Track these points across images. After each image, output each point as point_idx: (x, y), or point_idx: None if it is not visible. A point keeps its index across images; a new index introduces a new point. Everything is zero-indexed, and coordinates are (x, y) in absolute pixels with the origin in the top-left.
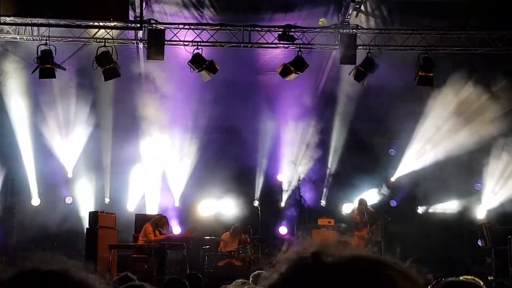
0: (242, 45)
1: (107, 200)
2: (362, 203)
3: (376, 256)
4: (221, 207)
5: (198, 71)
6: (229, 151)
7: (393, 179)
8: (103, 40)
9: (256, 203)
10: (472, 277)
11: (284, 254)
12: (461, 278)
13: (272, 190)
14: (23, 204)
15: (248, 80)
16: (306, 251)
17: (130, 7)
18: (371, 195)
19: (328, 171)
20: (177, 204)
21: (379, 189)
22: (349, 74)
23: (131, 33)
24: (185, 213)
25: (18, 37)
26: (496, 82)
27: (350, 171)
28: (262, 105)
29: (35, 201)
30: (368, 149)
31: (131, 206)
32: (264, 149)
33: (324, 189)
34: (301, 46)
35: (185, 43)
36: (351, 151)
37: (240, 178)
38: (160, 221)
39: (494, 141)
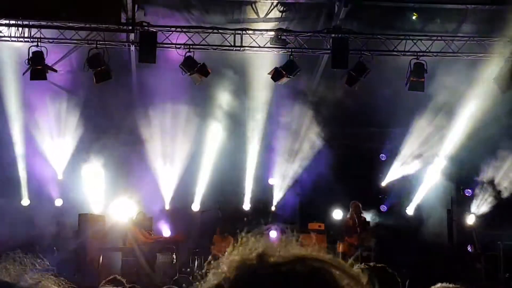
0: (234, 48)
1: (97, 202)
2: (356, 206)
3: (319, 254)
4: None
5: (189, 74)
6: (219, 154)
7: (383, 184)
8: (95, 42)
9: (247, 207)
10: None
11: (228, 256)
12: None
13: (263, 193)
14: (12, 205)
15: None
16: (250, 252)
17: (122, 9)
18: (362, 200)
19: (319, 175)
20: (167, 207)
21: (369, 194)
22: (341, 78)
23: (123, 36)
24: (175, 216)
25: (9, 38)
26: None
27: (341, 175)
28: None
29: (25, 201)
30: (359, 154)
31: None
32: (255, 152)
33: (315, 194)
34: (293, 50)
35: (177, 46)
36: (342, 156)
37: (231, 182)
38: (143, 220)
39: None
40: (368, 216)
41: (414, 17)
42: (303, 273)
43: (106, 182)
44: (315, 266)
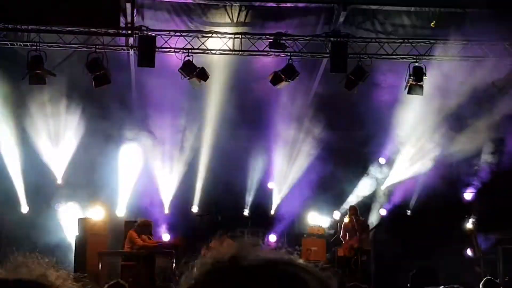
0: (233, 52)
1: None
2: (354, 210)
3: (290, 258)
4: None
5: (188, 78)
6: (218, 158)
7: (383, 187)
8: (94, 46)
9: (245, 211)
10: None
11: (201, 259)
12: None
13: (262, 197)
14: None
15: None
16: (223, 255)
17: (121, 14)
18: (361, 203)
19: (319, 179)
20: (166, 211)
21: (369, 197)
22: (340, 82)
23: (122, 40)
24: (174, 221)
25: (8, 42)
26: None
27: (341, 179)
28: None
29: (24, 208)
30: (359, 157)
31: (121, 212)
32: (255, 156)
33: (315, 197)
34: (292, 54)
35: (176, 50)
36: (342, 159)
37: (231, 185)
38: (144, 226)
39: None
40: (367, 220)
41: (432, 25)
42: (275, 277)
43: (106, 186)
44: (287, 270)
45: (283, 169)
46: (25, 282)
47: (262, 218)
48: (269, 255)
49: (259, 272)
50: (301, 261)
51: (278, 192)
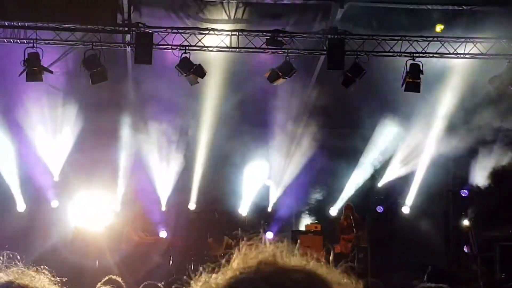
0: (230, 49)
1: (94, 203)
2: (348, 208)
3: (317, 266)
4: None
5: (185, 75)
6: (215, 155)
7: (379, 184)
8: (91, 43)
9: (243, 208)
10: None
11: (227, 266)
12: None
13: (259, 195)
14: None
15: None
16: (249, 262)
17: (118, 10)
18: (358, 200)
19: (316, 176)
20: (163, 208)
21: (366, 194)
22: (337, 79)
23: (119, 37)
24: (171, 218)
25: (5, 39)
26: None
27: (338, 176)
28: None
29: (20, 206)
30: (356, 154)
31: (117, 208)
32: (251, 153)
33: (312, 194)
34: (289, 51)
35: (173, 47)
36: (338, 156)
37: (228, 182)
38: (138, 220)
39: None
40: (363, 217)
41: (439, 29)
42: (293, 284)
43: (103, 183)
44: (312, 277)
45: (280, 166)
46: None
47: (259, 215)
48: (295, 261)
49: (273, 279)
50: (322, 268)
51: (275, 189)
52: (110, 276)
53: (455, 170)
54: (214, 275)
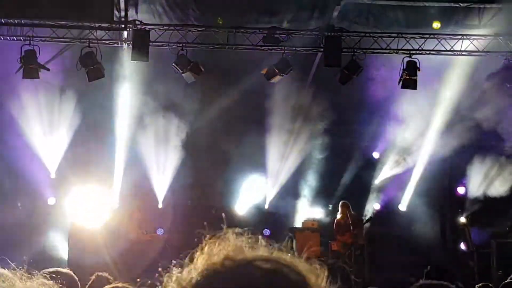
0: (227, 46)
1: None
2: (344, 206)
3: (278, 255)
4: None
5: (182, 73)
6: (212, 152)
7: (376, 181)
8: (87, 40)
9: (239, 205)
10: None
11: (195, 260)
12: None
13: (256, 192)
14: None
15: None
16: (216, 258)
17: (114, 7)
18: (354, 198)
19: (312, 173)
20: (160, 205)
21: (363, 191)
22: (334, 76)
23: (116, 34)
24: (168, 215)
25: (1, 36)
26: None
27: (335, 173)
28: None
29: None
30: (351, 152)
31: (115, 205)
32: (248, 150)
33: (308, 192)
34: (286, 48)
35: (170, 44)
36: (335, 154)
37: (224, 179)
38: (133, 218)
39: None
40: (360, 215)
41: (435, 25)
42: (254, 275)
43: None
44: (267, 267)
45: (277, 163)
46: None
47: (256, 213)
48: (251, 253)
49: (240, 272)
50: (287, 256)
51: (272, 186)
52: (96, 274)
53: (451, 167)
54: (183, 273)
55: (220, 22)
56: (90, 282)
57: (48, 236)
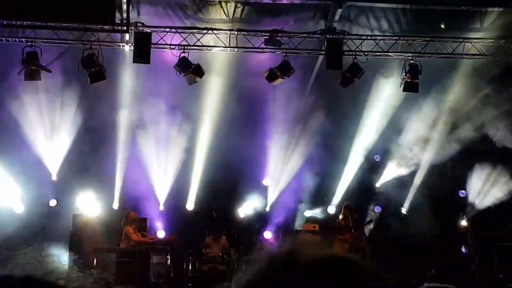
0: (228, 49)
1: (92, 202)
2: (347, 207)
3: (350, 256)
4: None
5: (184, 75)
6: (213, 155)
7: (378, 184)
8: (89, 42)
9: (241, 208)
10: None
11: (259, 254)
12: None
13: (257, 194)
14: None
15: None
16: (280, 250)
17: (116, 10)
18: (356, 201)
19: (314, 175)
20: (161, 208)
21: (364, 194)
22: (335, 79)
23: (118, 36)
24: (169, 217)
25: (3, 38)
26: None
27: (336, 175)
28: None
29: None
30: (353, 154)
31: (116, 207)
32: (250, 153)
33: (310, 194)
34: (287, 51)
35: (172, 46)
36: (336, 156)
37: (226, 182)
38: (133, 220)
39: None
40: (361, 217)
41: (442, 26)
42: (332, 272)
43: (100, 183)
44: (347, 267)
45: (278, 166)
46: (33, 279)
47: (257, 215)
48: (324, 251)
49: (318, 267)
50: (352, 256)
51: (273, 189)
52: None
53: (453, 170)
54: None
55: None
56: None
57: (49, 238)
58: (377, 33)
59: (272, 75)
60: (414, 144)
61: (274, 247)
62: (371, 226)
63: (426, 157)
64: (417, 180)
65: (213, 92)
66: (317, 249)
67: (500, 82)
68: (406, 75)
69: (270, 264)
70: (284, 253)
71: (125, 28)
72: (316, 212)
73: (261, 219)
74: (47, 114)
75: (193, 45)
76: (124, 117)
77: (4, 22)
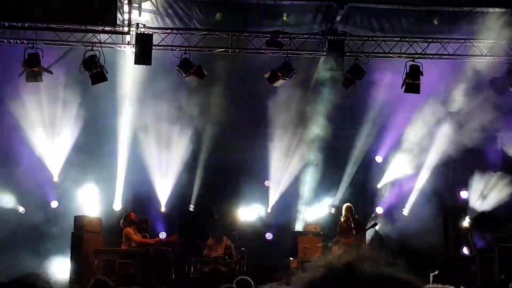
0: (230, 50)
1: (93, 203)
2: (348, 209)
3: (408, 277)
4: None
5: (185, 76)
6: (215, 156)
7: (379, 186)
8: (91, 44)
9: (242, 209)
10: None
11: (316, 261)
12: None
13: (259, 195)
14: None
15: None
16: (338, 261)
17: (118, 11)
18: (357, 202)
19: (316, 177)
20: (163, 209)
21: (365, 195)
22: (337, 80)
23: (119, 37)
24: (170, 218)
25: (5, 40)
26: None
27: (337, 177)
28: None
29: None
30: (354, 155)
31: (117, 209)
32: (251, 154)
33: (311, 195)
34: (289, 52)
35: (173, 47)
36: (338, 157)
37: (227, 183)
38: (132, 220)
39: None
40: (363, 218)
41: (435, 22)
42: None
43: (102, 184)
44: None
45: (279, 167)
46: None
47: (258, 217)
48: (381, 268)
49: (372, 283)
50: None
51: (275, 190)
52: (96, 277)
53: (455, 171)
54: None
55: (219, 19)
56: (89, 285)
57: (50, 239)
58: (378, 34)
59: (273, 77)
60: (415, 145)
61: (333, 257)
62: (376, 229)
63: (428, 158)
64: (419, 181)
65: (214, 93)
66: (376, 266)
67: (502, 83)
68: (407, 76)
69: (327, 273)
70: (343, 264)
71: (126, 29)
72: (318, 214)
73: (262, 221)
74: (48, 115)
75: (194, 47)
76: (125, 119)
77: (6, 23)
